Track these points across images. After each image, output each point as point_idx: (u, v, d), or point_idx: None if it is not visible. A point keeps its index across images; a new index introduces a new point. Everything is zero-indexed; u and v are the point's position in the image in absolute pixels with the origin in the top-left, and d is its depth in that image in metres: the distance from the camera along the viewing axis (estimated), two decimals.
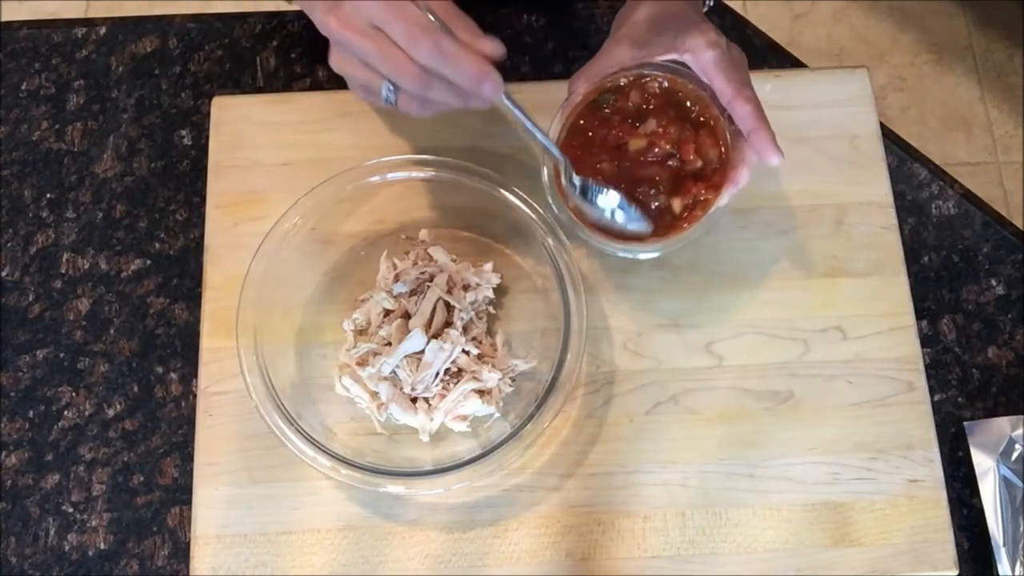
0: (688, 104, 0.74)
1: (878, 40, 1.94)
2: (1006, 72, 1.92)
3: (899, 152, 0.89)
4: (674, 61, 0.71)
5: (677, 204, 0.73)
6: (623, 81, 0.74)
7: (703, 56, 0.69)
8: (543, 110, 0.86)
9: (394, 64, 0.63)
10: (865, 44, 1.94)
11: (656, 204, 0.73)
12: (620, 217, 0.72)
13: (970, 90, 1.90)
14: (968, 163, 1.85)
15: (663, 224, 0.73)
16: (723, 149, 0.72)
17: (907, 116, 1.88)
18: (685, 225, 0.73)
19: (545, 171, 0.74)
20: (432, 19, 0.62)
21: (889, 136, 0.88)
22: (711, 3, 0.80)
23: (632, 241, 0.73)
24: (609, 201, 0.72)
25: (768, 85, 0.87)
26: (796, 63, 0.93)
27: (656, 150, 0.73)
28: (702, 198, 0.73)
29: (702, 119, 0.73)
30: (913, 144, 0.90)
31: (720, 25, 0.85)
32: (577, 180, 0.72)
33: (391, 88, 0.66)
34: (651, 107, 0.74)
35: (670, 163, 0.73)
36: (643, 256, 0.79)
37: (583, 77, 0.73)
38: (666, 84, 0.74)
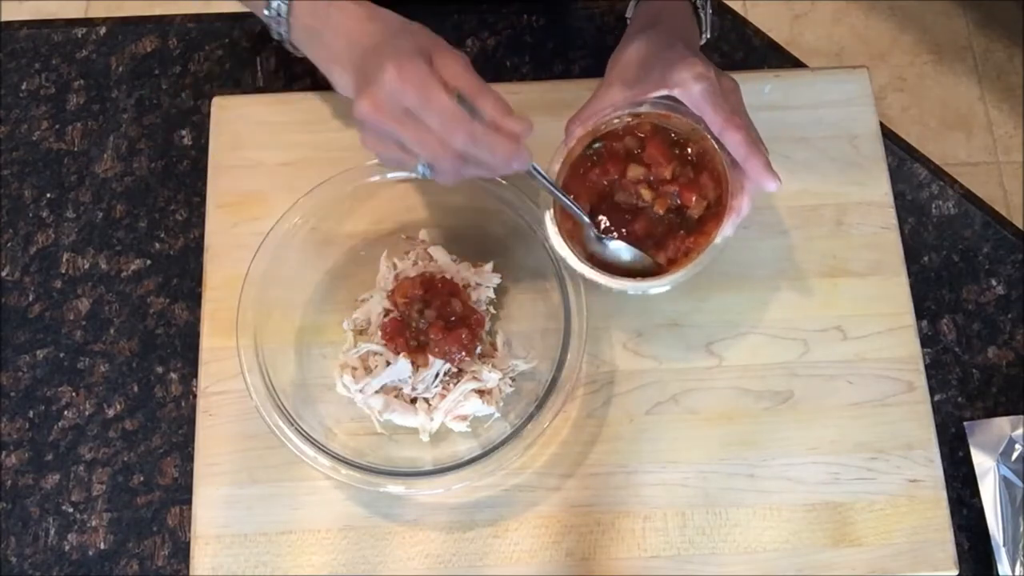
0: (684, 143, 0.74)
1: (878, 40, 1.94)
2: (1006, 72, 1.92)
3: (899, 152, 0.89)
4: (666, 97, 0.71)
5: (681, 241, 0.73)
6: (617, 122, 0.74)
7: (692, 89, 0.70)
8: (544, 110, 0.86)
9: (432, 149, 0.65)
10: (865, 44, 1.94)
11: (657, 240, 0.74)
12: (630, 259, 0.74)
13: (970, 90, 1.91)
14: (968, 163, 1.85)
15: (666, 258, 0.74)
16: (722, 184, 0.72)
17: (907, 116, 1.88)
18: (690, 257, 0.72)
19: (548, 214, 0.74)
20: (462, 104, 0.64)
21: (889, 136, 0.88)
22: (708, 36, 0.80)
23: (639, 278, 0.73)
24: (618, 247, 0.74)
25: (768, 85, 0.87)
26: (796, 63, 0.93)
27: (658, 197, 0.73)
28: (703, 232, 0.73)
29: (699, 158, 0.73)
30: (913, 144, 0.90)
31: (720, 26, 0.85)
32: (594, 234, 0.74)
33: (427, 166, 0.67)
34: (649, 150, 0.74)
35: (673, 207, 0.74)
36: (653, 291, 0.79)
37: (578, 120, 0.74)
38: (660, 124, 0.74)
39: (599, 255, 0.75)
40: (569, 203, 0.72)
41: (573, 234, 0.74)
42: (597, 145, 0.74)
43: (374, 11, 0.70)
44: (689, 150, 0.74)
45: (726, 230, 0.71)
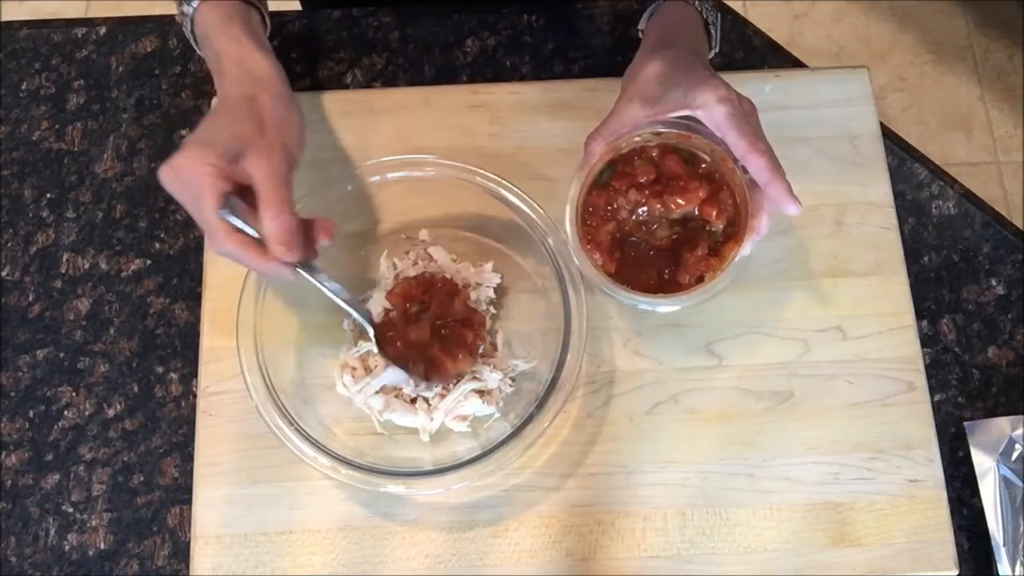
0: (701, 162, 0.74)
1: (878, 40, 1.94)
2: (1006, 72, 1.92)
3: (899, 152, 0.89)
4: (686, 117, 0.71)
5: (699, 258, 0.73)
6: (637, 139, 0.74)
7: (715, 111, 0.69)
8: (544, 110, 0.87)
9: (204, 234, 0.70)
10: (865, 44, 1.94)
11: (677, 258, 0.74)
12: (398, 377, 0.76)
13: (970, 90, 1.91)
14: (968, 163, 1.85)
15: (687, 276, 0.73)
16: (741, 203, 0.72)
17: (907, 116, 1.88)
18: (708, 277, 0.72)
19: (568, 217, 0.73)
20: (235, 211, 0.67)
21: (889, 136, 0.88)
22: (717, 49, 0.80)
23: (657, 295, 0.73)
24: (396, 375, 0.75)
25: (768, 85, 0.87)
26: (796, 63, 0.93)
27: (678, 210, 0.73)
28: (722, 250, 0.73)
29: (718, 176, 0.73)
30: (913, 144, 0.90)
31: (720, 26, 0.85)
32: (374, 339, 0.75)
33: None
34: (669, 168, 0.74)
35: (687, 222, 0.74)
36: (662, 309, 0.79)
37: (598, 137, 0.73)
38: (679, 143, 0.74)
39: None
40: (352, 310, 0.74)
41: (594, 241, 0.73)
42: (607, 179, 0.74)
43: (246, 68, 0.73)
44: (702, 167, 0.74)
45: (745, 249, 0.71)
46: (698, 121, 0.71)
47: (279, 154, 0.69)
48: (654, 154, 0.74)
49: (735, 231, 0.72)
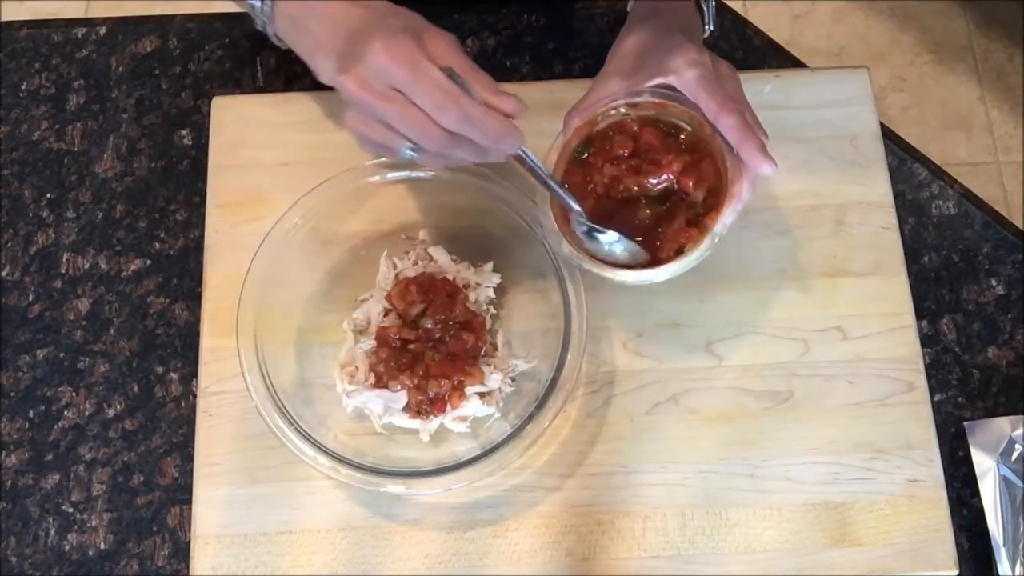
0: (682, 132, 0.74)
1: (878, 40, 1.94)
2: (1006, 72, 1.92)
3: (899, 152, 0.89)
4: (663, 86, 0.71)
5: (681, 232, 0.72)
6: (614, 113, 0.74)
7: (686, 75, 0.69)
8: (544, 110, 0.86)
9: (419, 128, 0.64)
10: (865, 44, 1.94)
11: (658, 231, 0.73)
12: (622, 252, 0.73)
13: (970, 90, 1.91)
14: (968, 163, 1.85)
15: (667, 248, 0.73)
16: (723, 171, 0.72)
17: (907, 116, 1.88)
18: (690, 248, 0.72)
19: (545, 207, 0.74)
20: (453, 81, 0.63)
21: (889, 136, 0.88)
22: (711, 28, 0.80)
23: (641, 268, 0.72)
24: (611, 239, 0.72)
25: (768, 85, 0.87)
26: (796, 63, 0.93)
27: (655, 184, 0.73)
28: (703, 220, 0.72)
29: (697, 144, 0.73)
30: (913, 144, 0.90)
31: (720, 26, 0.85)
32: (584, 225, 0.72)
33: (412, 147, 0.66)
34: (645, 141, 0.73)
35: (670, 194, 0.73)
36: (658, 279, 0.78)
37: (575, 112, 0.73)
38: (657, 114, 0.74)
39: (595, 253, 0.73)
40: (560, 191, 0.71)
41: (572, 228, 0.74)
42: (585, 155, 0.74)
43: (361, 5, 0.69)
44: (683, 137, 0.73)
45: (726, 218, 0.70)
46: (676, 90, 0.71)
47: (448, 36, 0.66)
48: (634, 128, 0.74)
49: (717, 201, 0.71)
